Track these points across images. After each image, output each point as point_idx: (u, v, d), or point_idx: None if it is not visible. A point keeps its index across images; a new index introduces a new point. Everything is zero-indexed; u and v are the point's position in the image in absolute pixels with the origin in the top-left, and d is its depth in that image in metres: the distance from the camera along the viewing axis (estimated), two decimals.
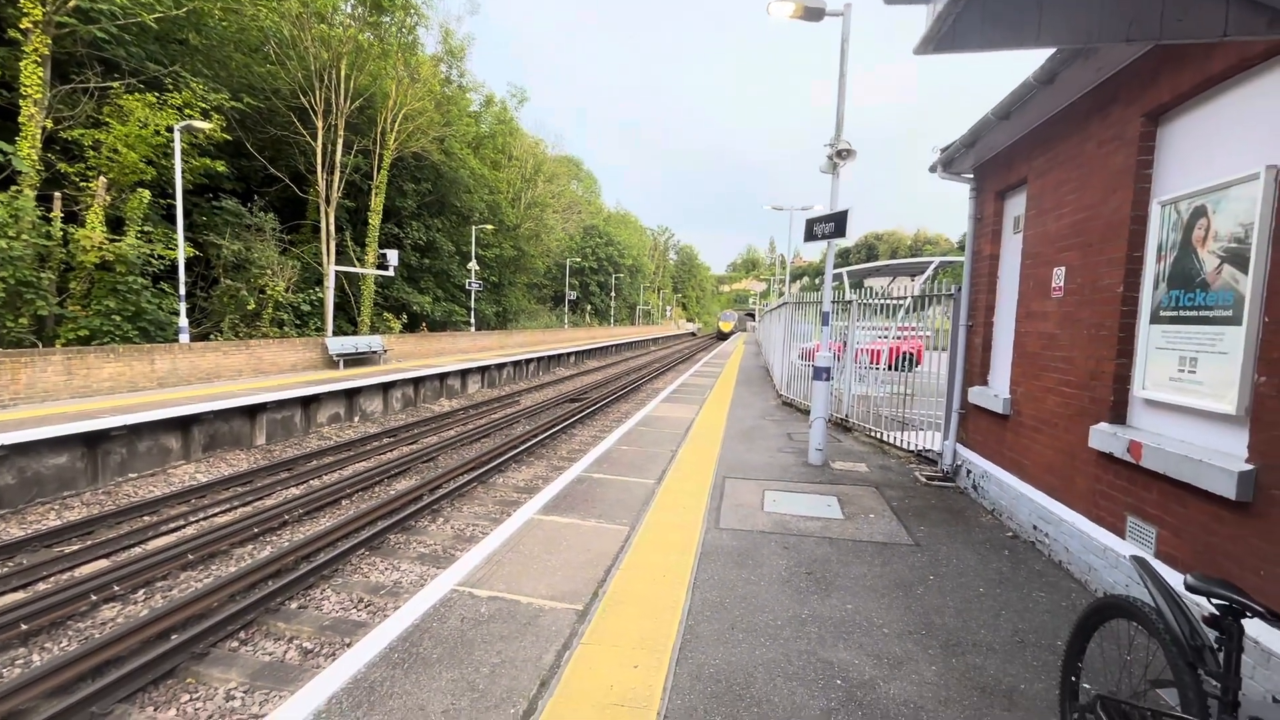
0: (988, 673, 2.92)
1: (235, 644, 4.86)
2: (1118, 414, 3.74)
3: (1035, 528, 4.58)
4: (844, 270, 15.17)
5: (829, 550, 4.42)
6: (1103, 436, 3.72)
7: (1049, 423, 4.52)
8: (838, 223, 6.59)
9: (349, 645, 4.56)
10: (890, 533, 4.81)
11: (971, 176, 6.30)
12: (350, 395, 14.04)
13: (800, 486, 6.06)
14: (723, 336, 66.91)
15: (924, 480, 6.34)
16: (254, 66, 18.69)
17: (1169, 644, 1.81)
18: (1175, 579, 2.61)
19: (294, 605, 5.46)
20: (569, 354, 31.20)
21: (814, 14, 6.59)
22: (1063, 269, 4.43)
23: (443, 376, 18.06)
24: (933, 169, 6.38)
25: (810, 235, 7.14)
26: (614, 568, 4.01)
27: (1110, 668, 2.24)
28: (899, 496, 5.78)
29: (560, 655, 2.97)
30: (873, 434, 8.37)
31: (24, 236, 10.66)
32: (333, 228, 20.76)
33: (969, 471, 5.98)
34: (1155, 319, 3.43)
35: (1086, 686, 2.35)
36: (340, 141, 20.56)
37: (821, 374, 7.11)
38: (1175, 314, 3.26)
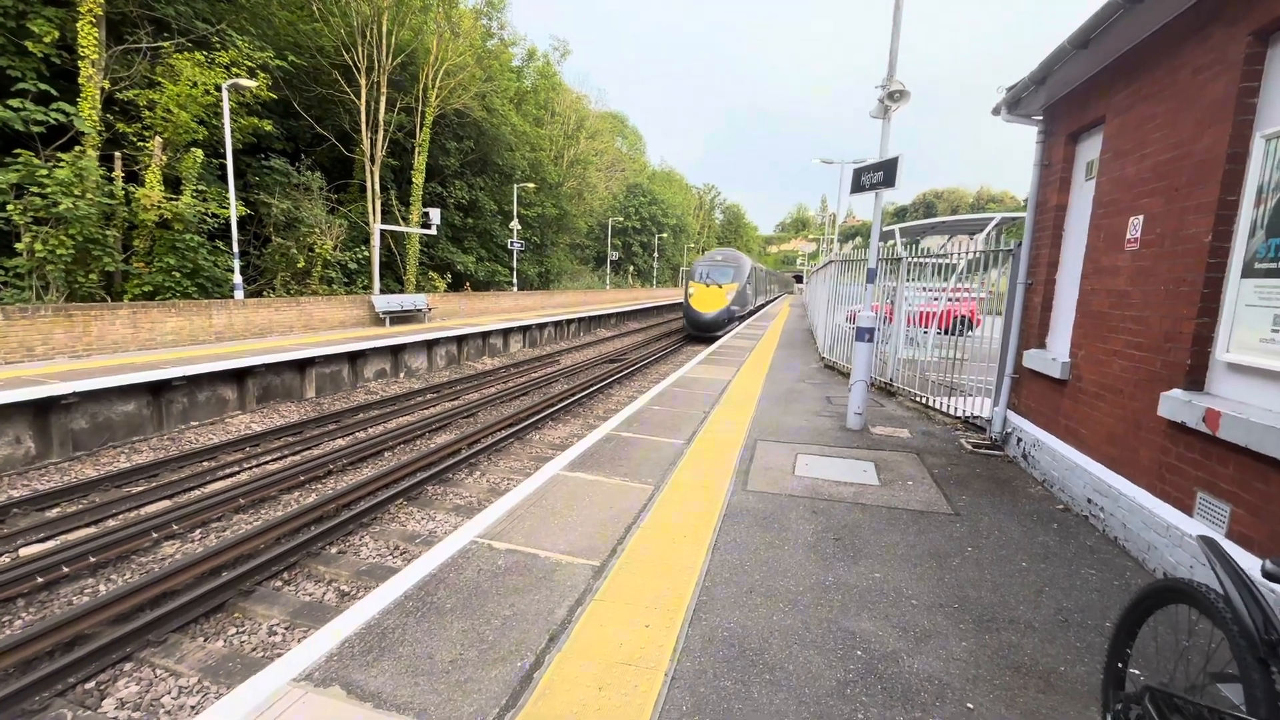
0: (1024, 651, 2.72)
1: (279, 583, 5.11)
2: (1194, 379, 3.35)
3: (1090, 501, 4.26)
4: (896, 227, 14.39)
5: (860, 516, 4.23)
6: (1175, 404, 3.35)
7: (1113, 389, 4.13)
8: (887, 171, 6.12)
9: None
10: (928, 501, 4.57)
11: (1040, 118, 5.70)
12: (395, 352, 14.42)
13: (835, 451, 5.84)
14: (700, 327, 23.23)
15: (970, 448, 6.00)
16: (299, 24, 18.76)
17: (1237, 635, 1.58)
18: (1250, 564, 2.33)
19: (334, 550, 5.69)
20: (610, 315, 31.15)
21: None
22: (1140, 218, 3.96)
23: (485, 335, 18.32)
24: (996, 111, 5.80)
25: (858, 186, 6.68)
26: (635, 526, 3.95)
27: (1164, 656, 2.02)
28: (941, 464, 5.50)
29: (572, 611, 2.94)
30: (918, 399, 7.99)
31: (89, 195, 11.17)
32: (378, 187, 21.02)
33: (1019, 440, 5.62)
34: (1248, 272, 3.01)
35: (1135, 673, 2.13)
36: (383, 99, 20.59)
37: (864, 335, 6.76)
38: (1273, 266, 2.84)
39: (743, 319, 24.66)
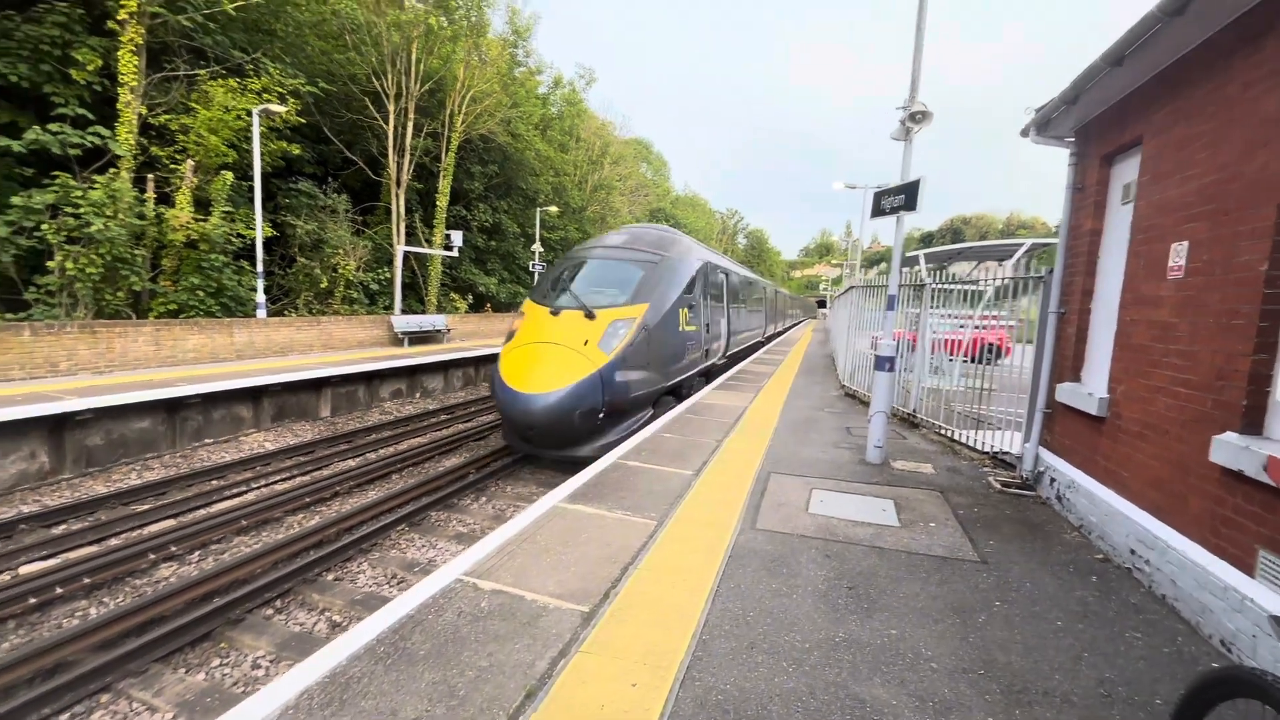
0: None
1: (270, 612, 4.95)
2: (1251, 422, 3.02)
3: (1133, 552, 3.88)
4: (920, 253, 14.03)
5: (877, 562, 3.91)
6: (1230, 450, 3.02)
7: (1157, 429, 3.79)
8: (908, 195, 5.88)
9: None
10: (952, 545, 4.22)
11: (1072, 140, 5.43)
12: (412, 372, 14.44)
13: (853, 487, 5.51)
14: (530, 427, 7.38)
15: (998, 487, 5.62)
16: (333, 54, 19.38)
17: None
18: None
19: (330, 577, 5.53)
20: None
21: None
22: (1184, 244, 3.65)
23: None
24: (1024, 133, 5.55)
25: (878, 210, 6.45)
26: (632, 566, 3.70)
27: None
28: (967, 504, 5.13)
29: (555, 664, 2.69)
30: (942, 431, 7.60)
31: (121, 216, 11.50)
32: (403, 209, 21.41)
33: (1053, 480, 5.23)
34: None
35: None
36: (410, 124, 21.08)
37: (884, 364, 6.45)
38: None
39: (690, 385, 11.12)
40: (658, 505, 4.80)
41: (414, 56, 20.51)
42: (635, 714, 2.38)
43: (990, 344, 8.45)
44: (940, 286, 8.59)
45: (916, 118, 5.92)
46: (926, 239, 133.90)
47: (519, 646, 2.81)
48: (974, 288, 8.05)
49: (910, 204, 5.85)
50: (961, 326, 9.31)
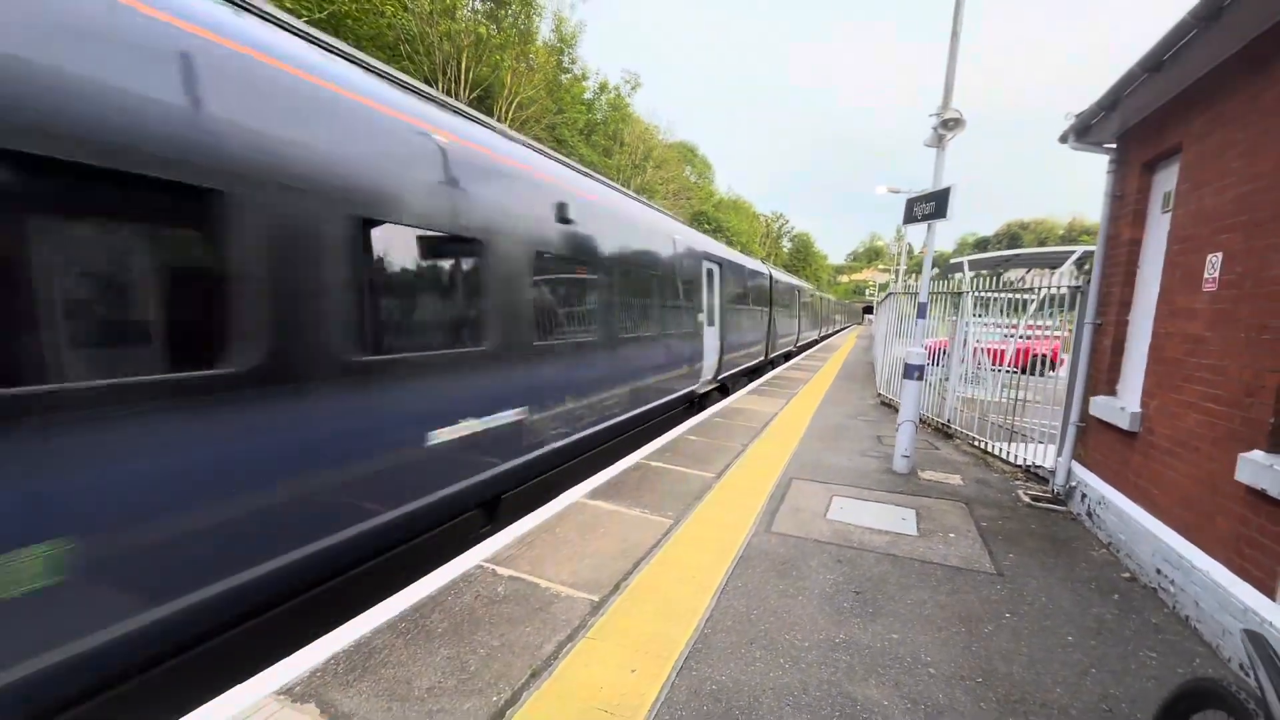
0: None
1: None
2: (1278, 441, 2.92)
3: (1159, 571, 3.77)
4: (965, 260, 13.64)
5: (889, 569, 3.92)
6: (1255, 469, 2.93)
7: (1187, 445, 3.67)
8: (939, 202, 5.82)
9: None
10: (969, 557, 4.18)
11: (1113, 146, 5.27)
12: None
13: (874, 495, 5.49)
14: None
15: (1028, 501, 5.48)
16: (389, 65, 20.30)
17: None
18: None
19: None
20: None
21: None
22: (1219, 256, 3.54)
23: None
24: (1063, 139, 5.41)
25: (910, 217, 6.39)
26: (644, 561, 3.84)
27: None
28: (991, 516, 5.05)
29: (561, 647, 2.86)
30: (976, 443, 7.43)
31: None
32: None
33: (1084, 495, 5.08)
34: None
35: None
36: None
37: (913, 373, 6.38)
38: None
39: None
40: (676, 505, 4.92)
41: (463, 65, 21.26)
42: (631, 698, 2.52)
43: (1041, 355, 8.19)
44: (981, 295, 8.39)
45: (949, 125, 5.85)
46: (981, 244, 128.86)
47: (529, 630, 2.99)
48: (1014, 295, 7.84)
49: (940, 211, 5.79)
50: (1008, 336, 9.04)
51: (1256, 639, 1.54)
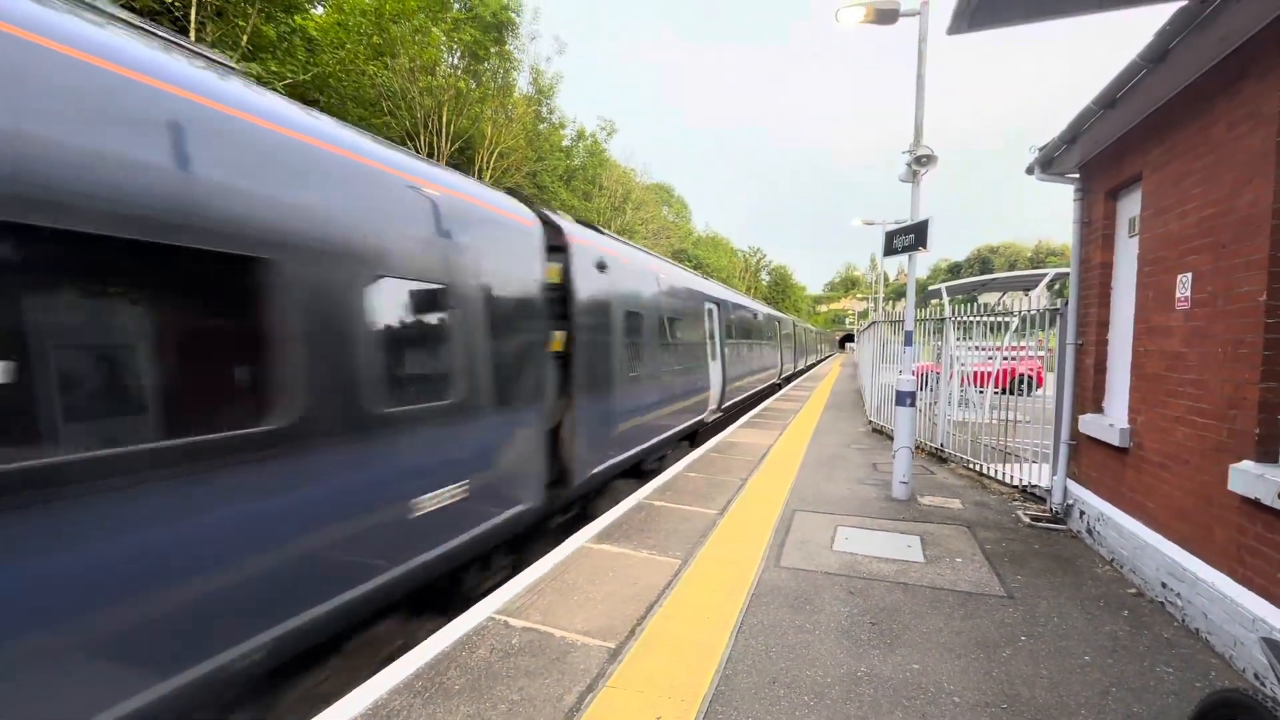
0: None
1: None
2: (1266, 450, 3.04)
3: (1164, 585, 3.82)
4: (943, 286, 14.07)
5: (901, 598, 3.93)
6: (1246, 478, 3.04)
7: (1177, 458, 3.79)
8: (918, 234, 6.06)
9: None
10: (978, 581, 4.21)
11: (1076, 176, 5.57)
12: None
13: (878, 523, 5.52)
14: None
15: (1028, 521, 5.55)
16: (370, 119, 20.73)
17: None
18: None
19: None
20: None
21: (887, 16, 6.20)
22: (1189, 276, 3.74)
23: None
24: (1030, 170, 5.71)
25: (890, 249, 6.62)
26: (657, 604, 3.80)
27: None
28: (995, 539, 5.09)
29: (582, 698, 2.81)
30: (971, 466, 7.53)
31: None
32: None
33: (1082, 513, 5.17)
34: None
35: None
36: None
37: (905, 399, 6.50)
38: None
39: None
40: (682, 544, 4.89)
41: (445, 118, 21.81)
42: None
43: (1022, 375, 8.41)
44: (962, 320, 8.63)
45: (922, 161, 6.15)
46: (954, 269, 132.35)
47: (549, 681, 2.94)
48: (993, 319, 8.09)
49: (920, 242, 6.02)
50: (990, 358, 9.28)
51: (1277, 646, 1.60)
